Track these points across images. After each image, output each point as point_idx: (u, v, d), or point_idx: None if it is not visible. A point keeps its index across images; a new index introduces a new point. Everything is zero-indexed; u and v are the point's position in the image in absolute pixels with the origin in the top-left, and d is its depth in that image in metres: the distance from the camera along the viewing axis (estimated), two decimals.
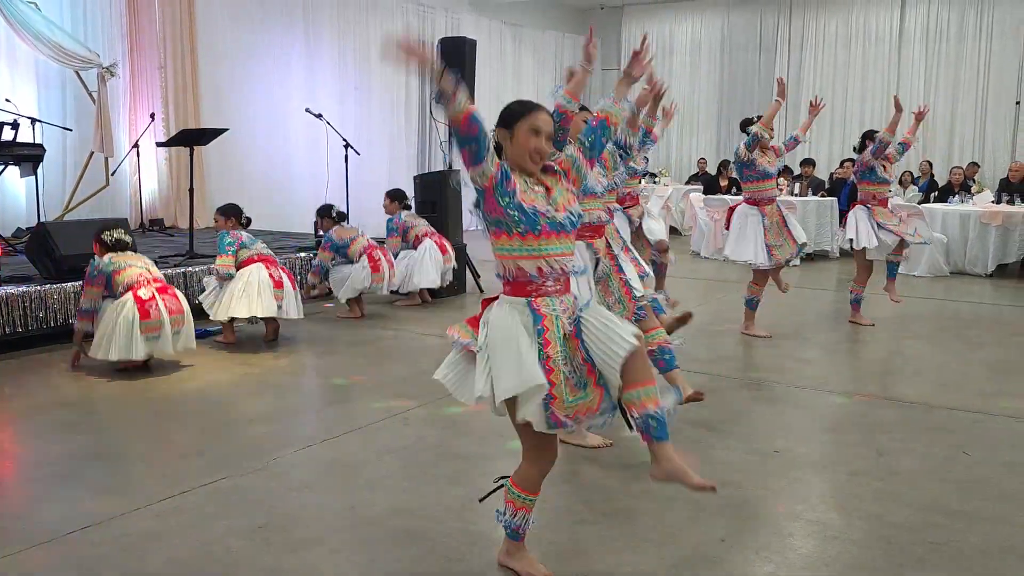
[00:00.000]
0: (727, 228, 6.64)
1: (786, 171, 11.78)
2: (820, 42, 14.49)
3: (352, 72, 11.64)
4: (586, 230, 3.77)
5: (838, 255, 11.03)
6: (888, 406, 4.80)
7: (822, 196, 11.91)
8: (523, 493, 2.73)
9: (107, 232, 5.41)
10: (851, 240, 6.80)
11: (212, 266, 6.21)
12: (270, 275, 6.04)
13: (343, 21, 11.51)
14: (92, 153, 8.40)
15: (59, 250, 6.06)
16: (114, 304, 5.16)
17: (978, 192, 10.92)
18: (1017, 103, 13.07)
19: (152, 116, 9.21)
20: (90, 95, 8.35)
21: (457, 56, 9.17)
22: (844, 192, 11.82)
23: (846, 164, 12.42)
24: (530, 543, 2.86)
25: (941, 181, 12.40)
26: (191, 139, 7.54)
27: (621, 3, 15.97)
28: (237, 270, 6.01)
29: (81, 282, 6.00)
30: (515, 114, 2.60)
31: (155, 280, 5.32)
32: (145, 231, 9.10)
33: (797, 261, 6.71)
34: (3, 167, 7.46)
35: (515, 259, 2.55)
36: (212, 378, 5.30)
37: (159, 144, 8.81)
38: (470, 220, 10.26)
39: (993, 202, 10.38)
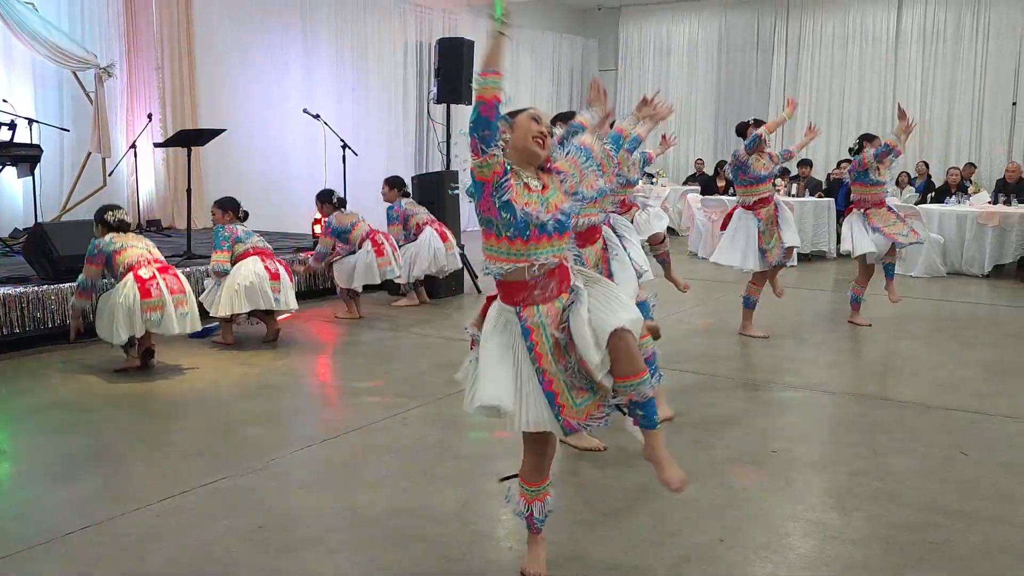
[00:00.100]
0: (722, 229, 6.65)
1: (783, 172, 11.79)
2: (817, 43, 14.51)
3: (350, 72, 11.64)
4: (577, 237, 3.61)
5: (835, 256, 11.05)
6: (886, 406, 4.82)
7: (819, 197, 11.93)
8: (530, 486, 2.76)
9: (110, 212, 5.38)
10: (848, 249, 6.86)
11: (208, 267, 6.20)
12: (266, 268, 6.01)
13: (341, 21, 11.51)
14: (89, 154, 8.39)
15: (56, 251, 6.05)
16: (115, 288, 5.15)
17: (975, 193, 10.94)
18: (1014, 104, 13.10)
19: (149, 116, 9.20)
20: (87, 96, 8.34)
21: (455, 57, 9.19)
22: (841, 193, 11.84)
23: (843, 165, 12.43)
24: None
25: (938, 182, 12.42)
26: (189, 140, 7.53)
27: (619, 4, 15.98)
28: (234, 264, 5.99)
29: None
30: (513, 112, 2.66)
31: (155, 260, 5.29)
32: (143, 231, 9.09)
33: (793, 261, 6.71)
34: (0, 168, 7.45)
35: (502, 261, 2.58)
36: (211, 379, 5.29)
37: (157, 145, 8.81)
38: (468, 220, 10.28)
39: (990, 203, 10.41)
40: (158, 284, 5.14)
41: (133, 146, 8.89)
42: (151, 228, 9.26)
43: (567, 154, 2.83)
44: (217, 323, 6.19)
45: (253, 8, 10.35)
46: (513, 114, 2.66)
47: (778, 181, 9.19)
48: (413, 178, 8.81)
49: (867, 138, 6.91)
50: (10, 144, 7.43)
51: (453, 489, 3.56)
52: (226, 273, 5.97)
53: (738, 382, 5.32)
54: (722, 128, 15.34)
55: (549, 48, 15.31)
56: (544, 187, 2.63)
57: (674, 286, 6.28)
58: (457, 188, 8.14)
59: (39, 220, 7.22)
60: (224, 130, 7.73)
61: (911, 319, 7.29)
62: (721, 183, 13.25)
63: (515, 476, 2.86)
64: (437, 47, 9.44)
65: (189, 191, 7.40)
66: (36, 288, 5.85)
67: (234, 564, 2.93)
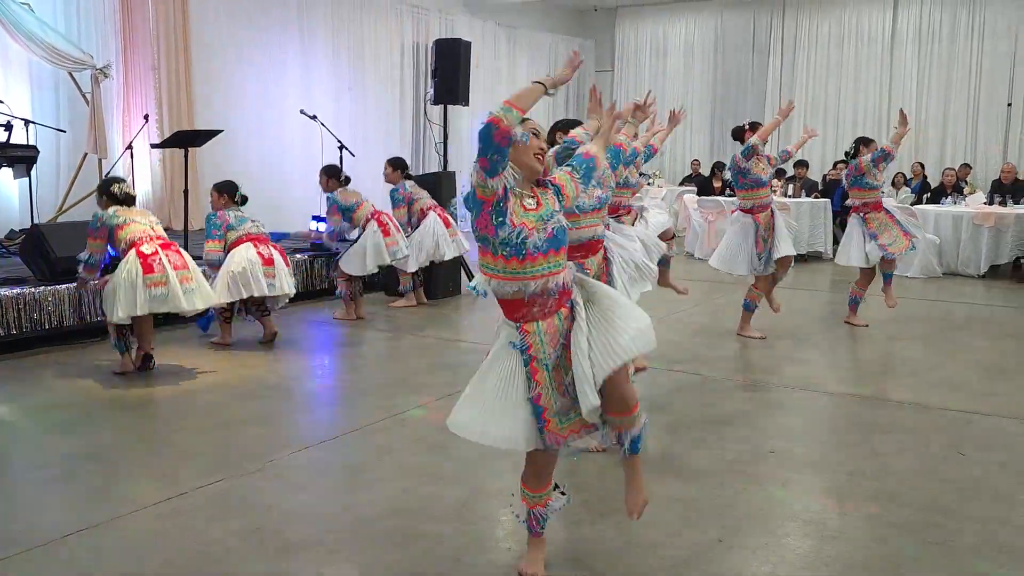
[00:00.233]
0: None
1: (779, 173, 11.81)
2: (813, 43, 14.54)
3: (347, 73, 11.63)
4: (579, 249, 3.65)
5: (832, 256, 11.06)
6: (884, 406, 4.83)
7: (815, 197, 11.96)
8: (532, 491, 2.78)
9: (116, 184, 5.29)
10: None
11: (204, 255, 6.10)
12: (259, 254, 5.92)
13: (337, 21, 11.50)
14: (86, 155, 8.37)
15: (53, 252, 6.05)
16: (119, 265, 5.07)
17: (970, 193, 10.98)
18: (1009, 105, 13.13)
19: (146, 117, 9.17)
20: (83, 96, 8.33)
21: (452, 58, 9.20)
22: (837, 193, 11.86)
23: (839, 165, 12.47)
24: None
25: (933, 183, 12.45)
26: (186, 140, 7.51)
27: (615, 4, 16.00)
28: (228, 252, 5.92)
29: (75, 283, 6.02)
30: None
31: (158, 237, 5.21)
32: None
33: (786, 287, 6.75)
34: None
35: (499, 279, 2.61)
36: (209, 380, 5.28)
37: (154, 146, 8.79)
38: (465, 220, 10.26)
39: (986, 203, 10.44)
40: (160, 260, 5.05)
41: (129, 147, 8.87)
42: None
43: (567, 168, 2.84)
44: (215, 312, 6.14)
45: (249, 9, 10.34)
46: None
47: (774, 182, 9.22)
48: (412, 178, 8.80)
49: (863, 142, 6.92)
50: (6, 145, 7.41)
51: (452, 490, 3.57)
52: (220, 263, 5.89)
53: (736, 382, 5.33)
54: (718, 129, 15.36)
55: (546, 49, 15.31)
56: (539, 204, 2.63)
57: (673, 291, 6.23)
58: (454, 206, 8.06)
59: (35, 221, 7.21)
60: (221, 131, 7.72)
61: (908, 319, 7.30)
62: (717, 184, 13.26)
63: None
64: (434, 48, 9.45)
65: (186, 192, 7.38)
66: (33, 289, 5.84)
67: (233, 565, 2.93)
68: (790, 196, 11.67)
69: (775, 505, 3.45)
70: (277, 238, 7.00)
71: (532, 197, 2.63)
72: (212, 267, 5.92)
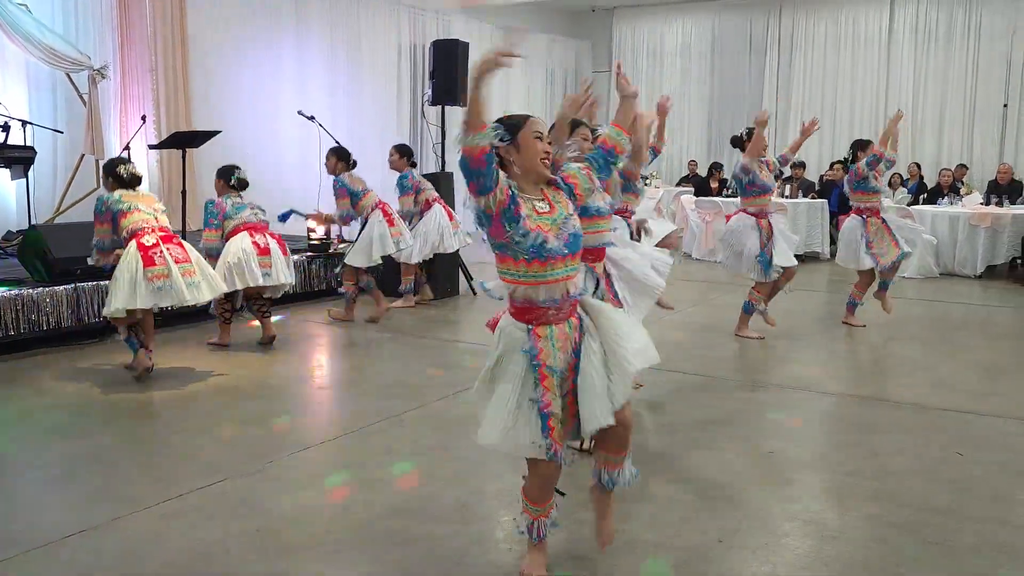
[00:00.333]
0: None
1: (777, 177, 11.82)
2: (810, 44, 14.55)
3: (343, 73, 11.62)
4: (590, 252, 3.62)
5: (829, 256, 11.08)
6: (882, 407, 4.84)
7: (812, 198, 11.97)
8: (531, 503, 2.77)
9: (123, 166, 5.19)
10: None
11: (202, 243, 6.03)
12: (254, 243, 5.83)
13: (334, 22, 11.49)
14: (83, 156, 8.36)
15: (51, 253, 6.03)
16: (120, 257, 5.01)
17: (967, 194, 11.00)
18: (1005, 105, 13.16)
19: (143, 118, 9.16)
20: (81, 97, 8.32)
21: (450, 59, 9.19)
22: (834, 194, 11.89)
23: (836, 166, 12.49)
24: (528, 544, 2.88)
25: (930, 183, 12.48)
26: (184, 141, 7.52)
27: (612, 5, 16.00)
28: (227, 240, 5.86)
29: (72, 284, 6.02)
30: (513, 126, 2.60)
31: (160, 228, 5.13)
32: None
33: (787, 292, 6.74)
34: None
35: (521, 284, 2.59)
36: (208, 381, 5.28)
37: (152, 147, 8.78)
38: (463, 221, 10.26)
39: (982, 204, 10.46)
40: (161, 252, 4.98)
41: (127, 148, 8.86)
42: None
43: (583, 163, 2.81)
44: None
45: (246, 10, 10.33)
46: (516, 127, 2.60)
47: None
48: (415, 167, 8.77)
49: (860, 146, 6.93)
50: (4, 146, 7.41)
51: (452, 490, 3.57)
52: (219, 251, 5.84)
53: (734, 383, 5.33)
54: (715, 129, 15.38)
55: (543, 49, 15.32)
56: (552, 207, 2.62)
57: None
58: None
59: (33, 222, 7.21)
60: (219, 132, 7.72)
61: (905, 320, 7.31)
62: (715, 184, 13.28)
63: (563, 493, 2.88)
64: (432, 49, 9.43)
65: (184, 192, 7.38)
66: (31, 291, 5.83)
67: (233, 566, 2.93)
68: (787, 196, 11.69)
69: (775, 505, 3.45)
70: (284, 217, 6.87)
71: (543, 200, 2.62)
72: (211, 256, 5.85)
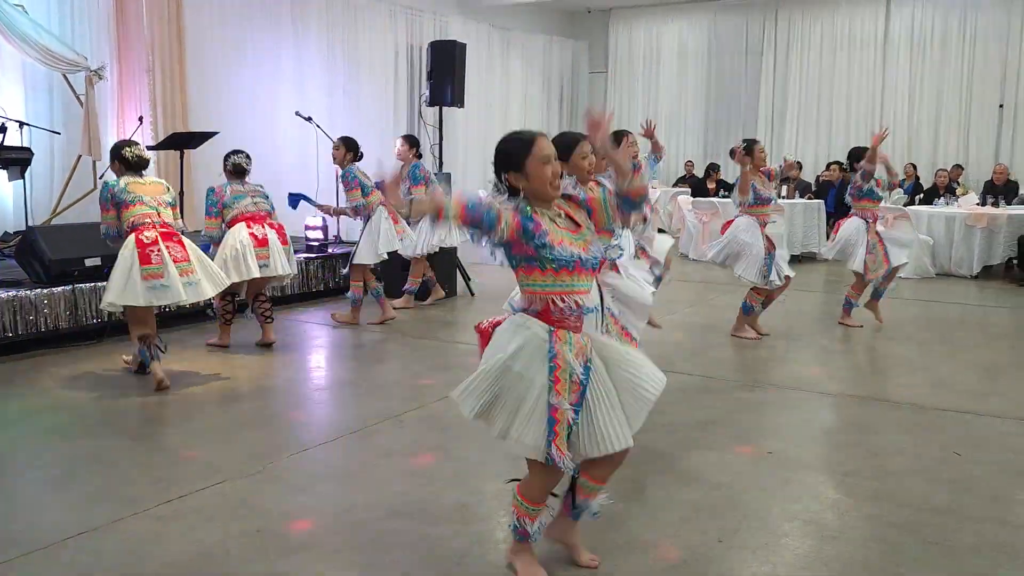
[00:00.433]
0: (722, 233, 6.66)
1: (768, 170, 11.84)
2: (806, 46, 14.58)
3: (341, 74, 11.62)
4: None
5: (826, 257, 11.09)
6: (880, 407, 4.85)
7: (809, 198, 12.00)
8: (527, 503, 2.75)
9: (128, 148, 5.07)
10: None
11: (203, 231, 6.01)
12: (252, 235, 5.77)
13: (331, 23, 11.48)
14: (80, 156, 8.34)
15: (48, 255, 6.02)
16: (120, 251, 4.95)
17: (963, 195, 11.03)
18: (1000, 106, 13.20)
19: (140, 119, 9.15)
20: (78, 98, 8.29)
21: (447, 60, 9.20)
22: (831, 194, 11.92)
23: (832, 167, 12.52)
24: None
25: (926, 184, 12.51)
26: (182, 142, 7.52)
27: (608, 7, 16.02)
28: (228, 228, 5.81)
29: (70, 285, 6.01)
30: (518, 154, 2.60)
31: (162, 225, 5.02)
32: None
33: (783, 298, 6.75)
34: None
35: (547, 294, 2.60)
36: (207, 382, 5.27)
37: (150, 148, 8.75)
38: None
39: (978, 204, 10.49)
40: (159, 250, 4.88)
41: (113, 163, 8.85)
42: None
43: (610, 189, 2.82)
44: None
45: (243, 11, 10.32)
46: (521, 154, 2.58)
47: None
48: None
49: (855, 157, 6.96)
50: (0, 147, 7.39)
51: (452, 491, 3.57)
52: (220, 239, 5.79)
53: (732, 383, 5.34)
54: (711, 130, 15.40)
55: (539, 50, 15.33)
56: (575, 224, 2.66)
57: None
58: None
59: (30, 223, 7.19)
60: (217, 133, 7.72)
61: (901, 320, 7.33)
62: (711, 185, 13.31)
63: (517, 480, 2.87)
64: (429, 50, 9.45)
65: (181, 193, 7.38)
66: (28, 292, 5.82)
67: (233, 567, 2.93)
68: (784, 197, 11.71)
69: (774, 505, 3.46)
70: (295, 201, 6.82)
71: (563, 216, 2.66)
72: (214, 243, 5.83)
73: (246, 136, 10.22)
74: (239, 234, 5.77)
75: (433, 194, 2.53)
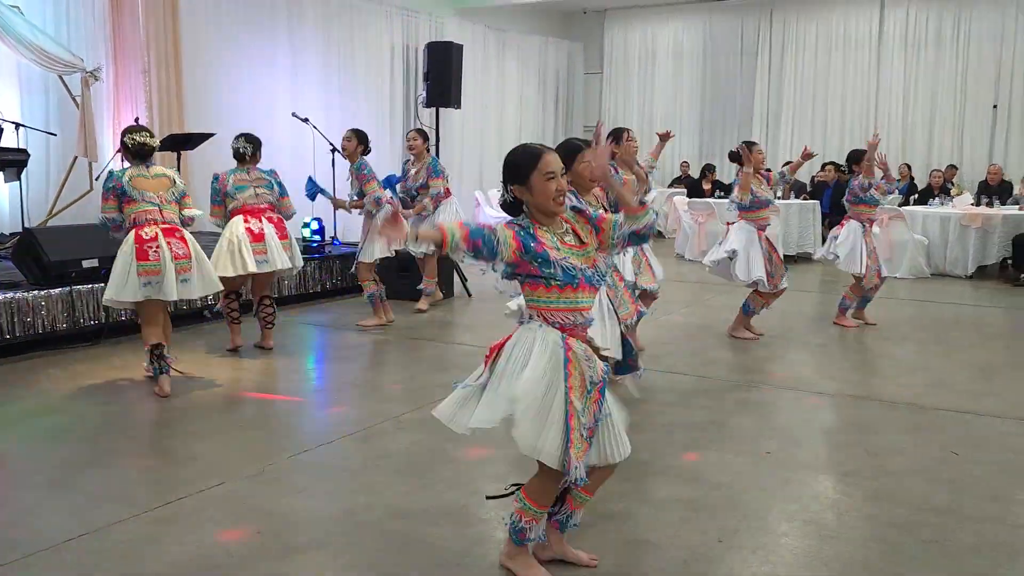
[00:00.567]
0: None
1: (767, 172, 11.86)
2: (801, 46, 14.62)
3: (337, 76, 11.62)
4: None
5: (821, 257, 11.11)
6: (877, 407, 4.87)
7: (804, 199, 12.03)
8: (534, 506, 2.74)
9: (130, 135, 4.96)
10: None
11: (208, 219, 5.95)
12: (247, 229, 5.66)
13: (327, 23, 11.48)
14: (76, 158, 8.34)
15: (47, 256, 6.01)
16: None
17: (957, 195, 11.07)
18: (994, 107, 13.24)
19: (136, 120, 9.13)
20: (73, 99, 8.29)
21: (444, 61, 9.20)
22: (826, 195, 11.95)
23: (827, 167, 12.56)
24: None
25: (920, 184, 12.55)
26: (178, 143, 7.51)
27: (604, 7, 16.04)
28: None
29: (68, 287, 6.00)
30: (524, 167, 2.61)
31: (163, 221, 4.92)
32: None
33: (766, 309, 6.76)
34: None
35: (552, 311, 2.62)
36: (206, 384, 5.26)
37: None
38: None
39: (973, 204, 10.53)
40: (158, 248, 4.81)
41: (119, 150, 8.84)
42: None
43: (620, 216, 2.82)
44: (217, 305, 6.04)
45: (239, 11, 10.32)
46: (527, 168, 2.59)
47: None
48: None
49: (855, 160, 6.98)
50: None
51: (451, 492, 3.57)
52: (221, 228, 5.74)
53: (730, 383, 5.36)
54: (707, 131, 15.43)
55: (535, 51, 15.34)
56: (580, 241, 2.66)
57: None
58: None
59: (26, 225, 7.18)
60: (214, 134, 7.71)
61: (897, 320, 7.36)
62: (707, 186, 13.33)
63: (511, 493, 2.86)
64: (426, 51, 9.45)
65: None
66: (26, 294, 5.81)
67: (234, 569, 2.93)
68: (779, 198, 11.72)
69: (774, 505, 3.47)
70: (312, 193, 6.74)
71: (570, 233, 2.66)
72: (220, 226, 5.80)
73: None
74: (236, 228, 5.69)
75: (437, 224, 2.53)
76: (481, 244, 2.49)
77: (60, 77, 8.28)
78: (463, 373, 2.87)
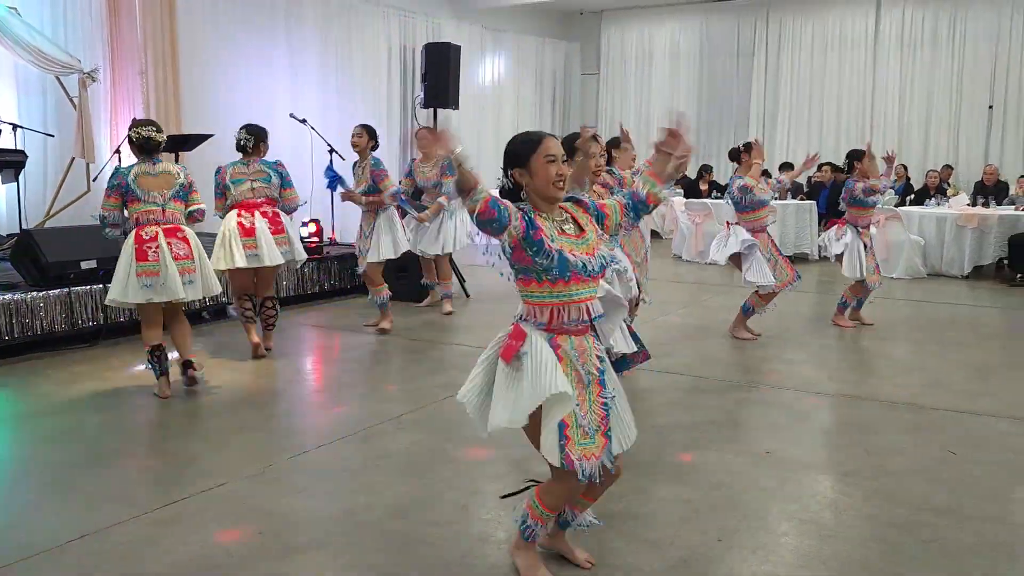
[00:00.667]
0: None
1: (764, 173, 11.88)
2: (797, 47, 14.64)
3: (334, 76, 11.62)
4: None
5: (818, 257, 11.15)
6: (875, 407, 4.88)
7: (801, 199, 12.05)
8: (542, 507, 2.75)
9: (136, 128, 4.89)
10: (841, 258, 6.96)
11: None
12: (239, 224, 5.60)
13: (325, 24, 11.48)
14: (73, 159, 8.33)
15: (45, 257, 6.01)
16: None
17: (953, 195, 11.10)
18: (990, 107, 13.28)
19: (134, 121, 9.15)
20: (71, 101, 8.27)
21: (442, 62, 9.20)
22: (823, 195, 11.97)
23: (824, 167, 12.58)
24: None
25: (917, 184, 12.58)
26: (177, 145, 7.50)
27: (600, 8, 16.05)
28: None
29: (66, 288, 6.00)
30: (525, 150, 2.61)
31: (165, 221, 4.85)
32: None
33: (772, 305, 6.77)
34: None
35: (544, 305, 2.61)
36: (204, 385, 5.25)
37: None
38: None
39: (969, 204, 10.56)
40: (158, 247, 4.75)
41: (117, 151, 8.84)
42: None
43: (620, 198, 2.83)
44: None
45: (236, 11, 10.31)
46: (528, 151, 2.60)
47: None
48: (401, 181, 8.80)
49: (856, 156, 6.98)
50: None
51: (452, 493, 3.58)
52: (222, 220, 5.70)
53: (729, 383, 5.37)
54: (703, 131, 15.43)
55: (531, 52, 15.34)
56: (580, 231, 2.65)
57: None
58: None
59: (24, 226, 7.17)
60: (212, 135, 7.70)
61: (894, 320, 7.38)
62: (704, 186, 13.34)
63: (525, 489, 2.88)
64: (424, 52, 9.45)
65: None
66: (24, 295, 5.81)
67: (235, 569, 2.93)
68: (776, 198, 11.75)
69: (773, 505, 3.48)
70: (332, 183, 6.71)
71: (571, 222, 2.66)
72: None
73: None
74: (229, 223, 5.66)
75: (472, 177, 2.46)
76: (496, 215, 2.46)
77: (57, 78, 8.27)
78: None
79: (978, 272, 10.00)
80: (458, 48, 9.63)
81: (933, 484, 3.70)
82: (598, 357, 2.70)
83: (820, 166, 12.91)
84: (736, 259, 6.53)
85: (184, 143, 7.64)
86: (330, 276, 8.19)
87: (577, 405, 2.59)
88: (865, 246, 6.86)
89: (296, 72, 11.04)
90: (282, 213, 5.84)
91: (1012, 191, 11.31)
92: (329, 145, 8.48)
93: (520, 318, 2.69)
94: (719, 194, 11.93)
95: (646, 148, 6.69)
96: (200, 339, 6.33)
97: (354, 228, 7.39)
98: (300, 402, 5.19)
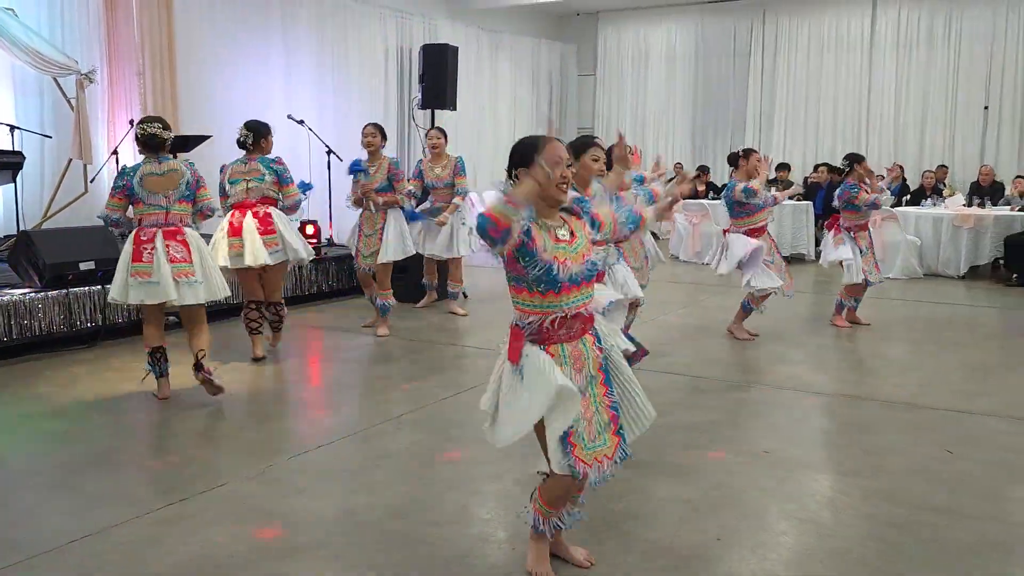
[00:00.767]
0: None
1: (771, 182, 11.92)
2: (793, 47, 14.67)
3: (331, 76, 11.62)
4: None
5: (814, 258, 11.17)
6: (873, 406, 4.89)
7: (797, 200, 12.06)
8: (544, 505, 2.79)
9: (141, 124, 4.79)
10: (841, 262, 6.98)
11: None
12: (230, 223, 5.57)
13: (322, 25, 11.48)
14: (70, 160, 8.32)
15: (43, 258, 6.01)
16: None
17: (949, 195, 11.13)
18: (985, 108, 13.31)
19: (131, 122, 9.11)
20: (68, 102, 8.27)
21: (440, 63, 9.21)
22: (819, 196, 11.99)
23: (820, 168, 12.61)
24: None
25: (912, 185, 12.61)
26: (174, 146, 7.46)
27: (596, 9, 16.07)
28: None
29: (64, 289, 5.99)
30: (531, 151, 2.61)
31: (166, 224, 4.78)
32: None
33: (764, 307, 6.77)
34: None
35: (536, 314, 2.62)
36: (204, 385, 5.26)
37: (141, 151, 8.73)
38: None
39: (965, 205, 10.59)
40: (153, 249, 4.69)
41: (115, 152, 8.84)
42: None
43: (612, 209, 2.85)
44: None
45: (234, 14, 10.31)
46: (533, 152, 2.60)
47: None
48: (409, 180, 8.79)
49: (855, 159, 6.99)
50: None
51: (452, 492, 3.59)
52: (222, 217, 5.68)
53: (728, 383, 5.38)
54: (700, 132, 15.46)
55: (528, 53, 15.35)
56: (573, 236, 2.65)
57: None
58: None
59: (21, 227, 7.16)
60: (210, 136, 7.70)
61: (891, 320, 7.40)
62: (701, 187, 13.36)
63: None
64: (421, 53, 9.46)
65: None
66: (23, 296, 5.80)
67: (236, 570, 2.94)
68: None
69: (772, 504, 3.50)
70: (354, 168, 6.64)
71: (564, 227, 2.65)
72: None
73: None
74: (222, 223, 5.67)
75: (529, 199, 2.49)
76: (500, 239, 2.46)
77: (55, 79, 8.27)
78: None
79: (974, 272, 10.03)
80: (456, 49, 9.64)
81: (931, 483, 3.71)
82: (598, 357, 2.71)
83: (816, 167, 12.94)
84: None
85: (183, 145, 7.63)
86: (328, 277, 8.19)
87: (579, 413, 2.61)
88: (862, 251, 6.88)
89: (292, 71, 11.04)
90: (277, 213, 5.74)
91: (1008, 191, 11.34)
92: (327, 146, 8.48)
93: (514, 322, 2.70)
94: (716, 195, 11.96)
95: (644, 148, 6.73)
96: None
97: (345, 229, 7.37)
98: (300, 402, 5.20)
